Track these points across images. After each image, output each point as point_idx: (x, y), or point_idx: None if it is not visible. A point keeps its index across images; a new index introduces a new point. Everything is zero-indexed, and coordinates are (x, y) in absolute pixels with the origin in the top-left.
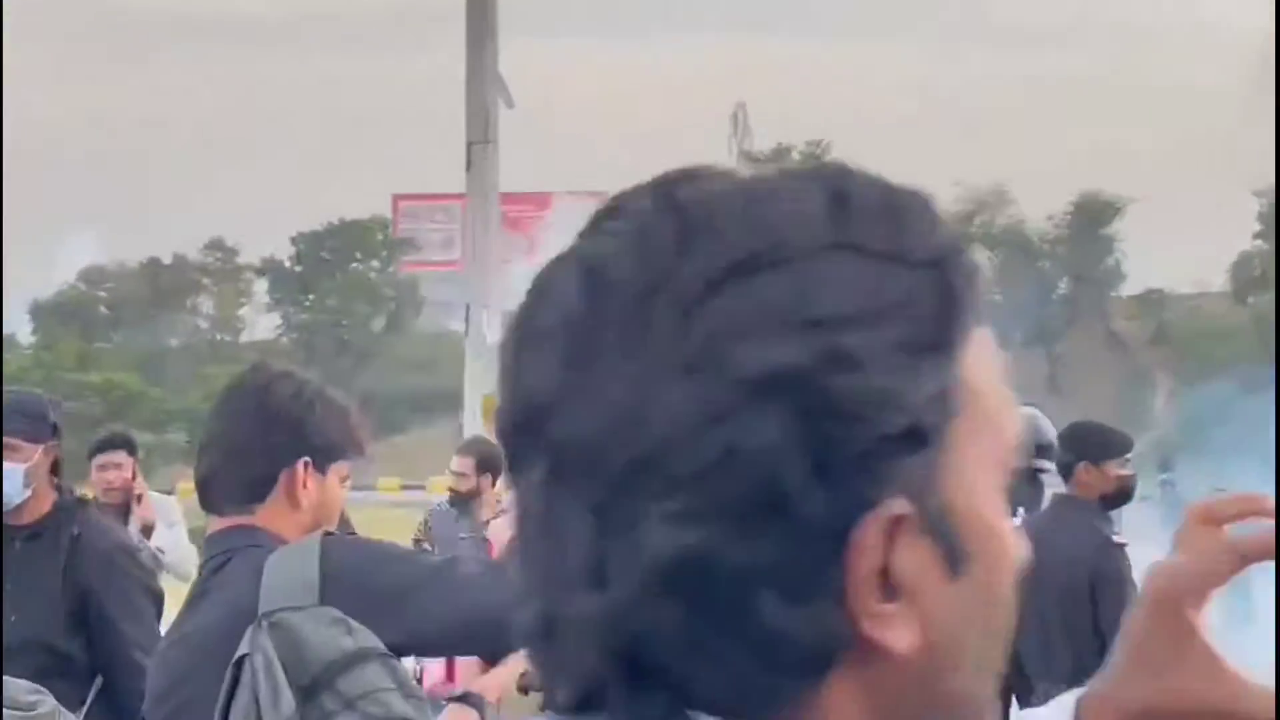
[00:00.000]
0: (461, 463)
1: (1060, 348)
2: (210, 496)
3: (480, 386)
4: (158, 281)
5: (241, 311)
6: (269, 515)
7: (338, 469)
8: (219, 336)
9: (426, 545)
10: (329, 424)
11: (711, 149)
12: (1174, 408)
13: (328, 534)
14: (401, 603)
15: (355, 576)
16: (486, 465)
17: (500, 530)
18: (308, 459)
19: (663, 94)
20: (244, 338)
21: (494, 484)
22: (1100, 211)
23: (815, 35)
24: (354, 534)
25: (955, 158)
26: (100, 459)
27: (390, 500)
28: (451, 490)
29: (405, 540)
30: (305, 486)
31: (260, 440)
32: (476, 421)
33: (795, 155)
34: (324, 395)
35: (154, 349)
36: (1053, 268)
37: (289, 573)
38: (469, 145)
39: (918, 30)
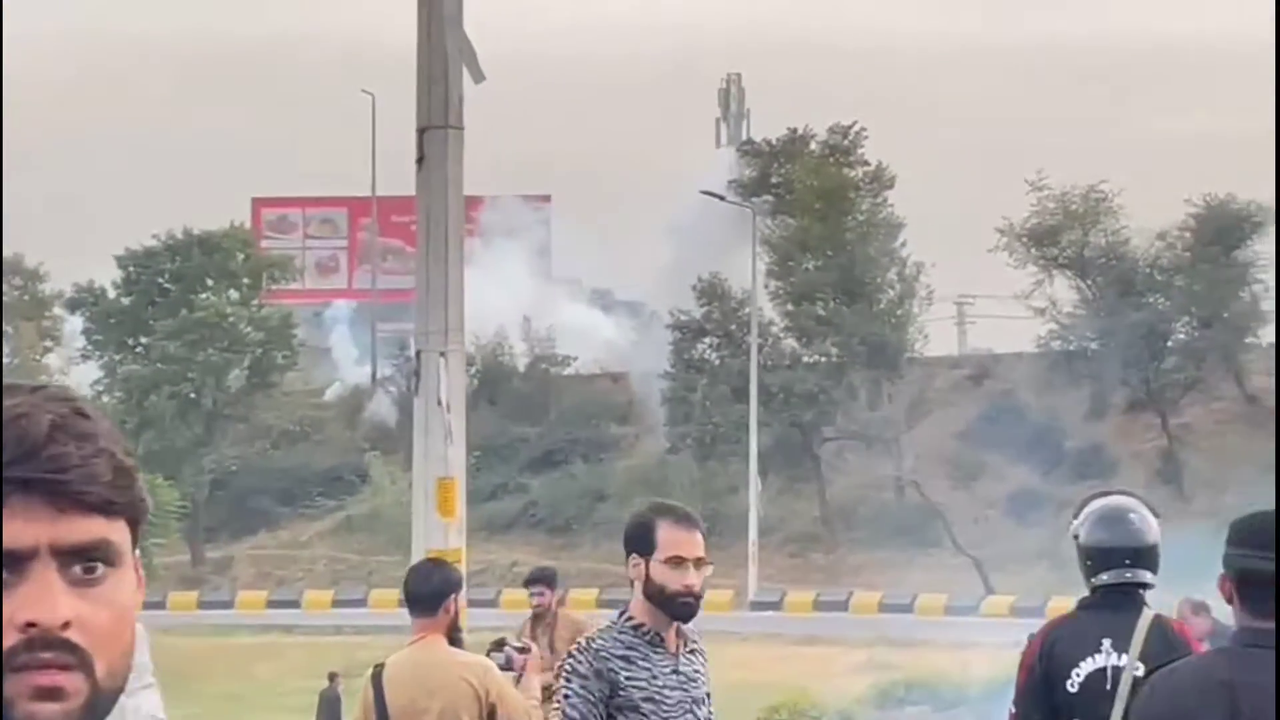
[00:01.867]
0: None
1: (1179, 417)
2: None
3: (434, 465)
4: None
5: (47, 359)
6: None
7: None
8: None
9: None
10: None
11: (696, 133)
12: None
13: None
14: None
15: None
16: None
17: None
18: None
19: (630, 62)
20: None
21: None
22: (1232, 226)
23: None
24: None
25: (1029, 150)
26: None
27: (252, 622)
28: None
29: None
30: None
31: None
32: (429, 515)
33: (813, 146)
34: None
35: None
36: (1168, 305)
37: None
38: (421, 131)
39: None
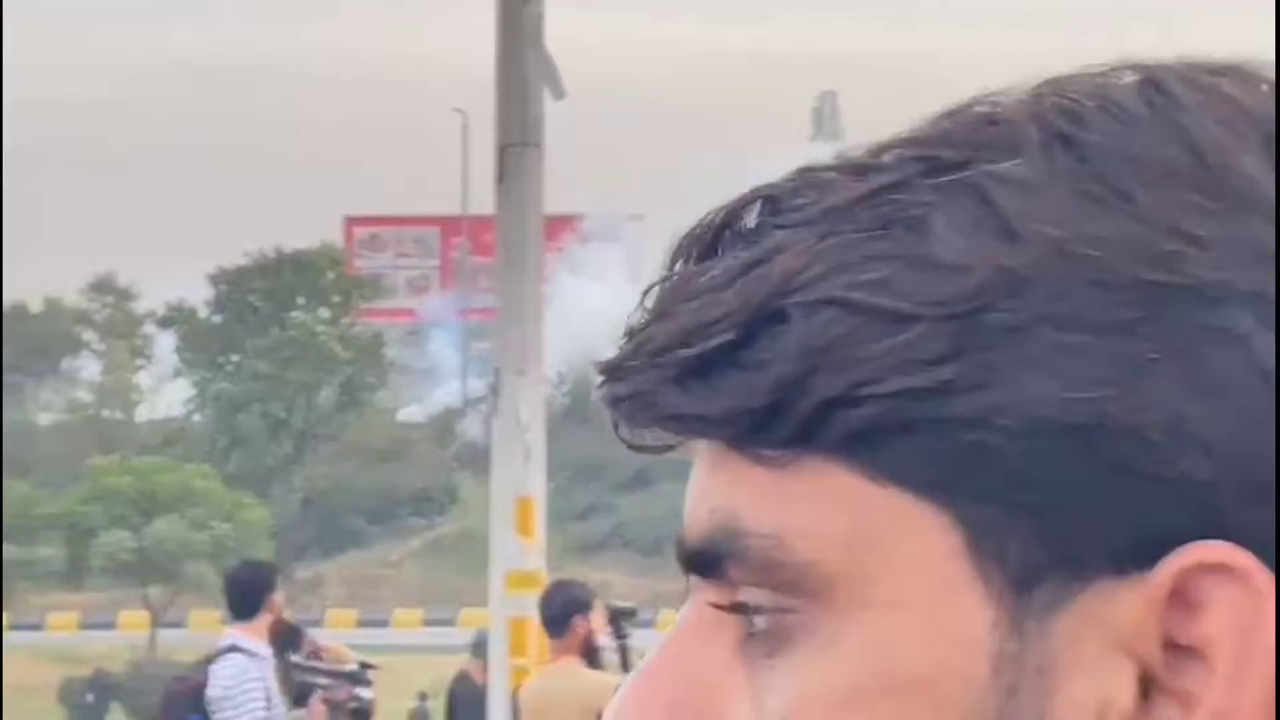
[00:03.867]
0: None
1: None
2: None
3: (512, 484)
4: (23, 335)
5: (138, 377)
6: None
7: None
8: (107, 412)
9: None
10: None
11: (788, 151)
12: None
13: None
14: None
15: None
16: None
17: None
18: None
19: (727, 84)
20: (140, 414)
21: None
22: None
23: (926, 18)
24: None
25: None
26: None
27: (344, 639)
28: None
29: None
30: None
31: None
32: (508, 534)
33: None
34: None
35: (17, 429)
36: None
37: None
38: (502, 149)
39: (1048, 13)
